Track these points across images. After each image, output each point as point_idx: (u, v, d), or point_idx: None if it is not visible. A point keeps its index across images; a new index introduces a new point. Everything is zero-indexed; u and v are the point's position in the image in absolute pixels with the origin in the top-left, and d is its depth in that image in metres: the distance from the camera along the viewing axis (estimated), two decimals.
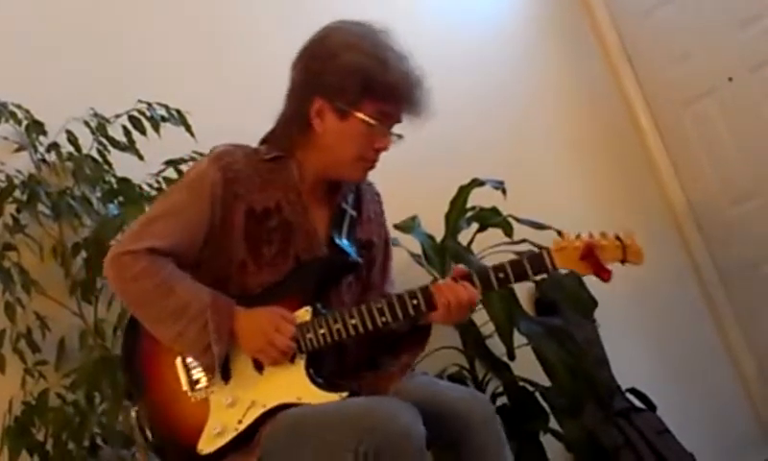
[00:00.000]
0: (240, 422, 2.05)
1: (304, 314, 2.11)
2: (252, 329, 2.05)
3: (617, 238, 2.21)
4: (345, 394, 2.06)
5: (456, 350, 3.37)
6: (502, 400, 3.36)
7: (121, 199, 2.80)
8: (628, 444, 3.62)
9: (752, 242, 4.56)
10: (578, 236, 2.20)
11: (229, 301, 2.08)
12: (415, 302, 2.10)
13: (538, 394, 3.22)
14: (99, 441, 2.59)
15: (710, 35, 4.50)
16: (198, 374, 2.10)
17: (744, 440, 4.52)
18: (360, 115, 2.12)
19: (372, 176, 3.59)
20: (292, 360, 2.07)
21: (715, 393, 4.54)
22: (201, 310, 2.02)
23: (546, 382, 3.21)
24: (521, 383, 3.29)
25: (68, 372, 2.61)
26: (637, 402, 3.87)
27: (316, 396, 2.06)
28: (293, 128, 2.21)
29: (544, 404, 3.21)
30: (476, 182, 3.36)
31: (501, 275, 2.13)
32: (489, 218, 3.34)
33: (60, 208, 2.66)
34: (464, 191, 3.37)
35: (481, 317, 3.18)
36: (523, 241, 3.31)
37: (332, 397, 2.06)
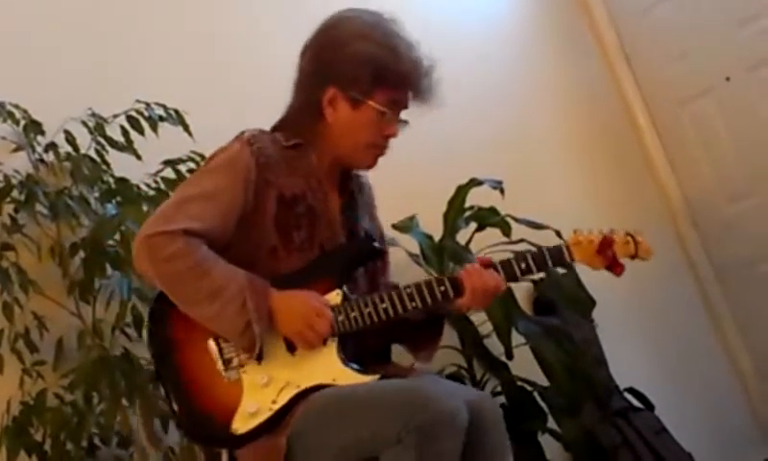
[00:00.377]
0: (274, 402, 2.05)
1: (336, 297, 2.13)
2: (290, 311, 2.05)
3: (628, 235, 2.26)
4: (377, 377, 2.09)
5: (454, 349, 3.37)
6: (500, 400, 3.36)
7: (119, 199, 2.79)
8: (626, 443, 3.62)
9: (748, 240, 4.56)
10: (590, 232, 2.24)
11: (265, 282, 2.07)
12: (443, 288, 2.14)
13: (536, 393, 3.21)
14: (97, 441, 2.58)
15: (708, 34, 4.50)
16: (230, 354, 2.08)
17: (742, 438, 4.52)
18: (373, 104, 2.16)
19: (371, 175, 3.64)
20: (324, 343, 2.08)
21: (713, 392, 4.55)
22: (238, 291, 2.01)
23: (544, 382, 3.21)
24: (520, 383, 3.29)
25: (66, 372, 2.60)
26: (635, 402, 3.87)
27: (350, 378, 2.08)
28: (305, 117, 2.23)
29: (542, 404, 3.20)
30: (474, 182, 3.36)
31: (524, 265, 2.19)
32: (487, 218, 3.33)
33: (57, 208, 2.66)
34: (462, 191, 3.36)
35: (479, 316, 3.19)
36: (521, 241, 3.30)
37: (366, 379, 2.08)
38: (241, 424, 2.05)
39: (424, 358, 2.37)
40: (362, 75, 2.14)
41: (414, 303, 2.13)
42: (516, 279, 2.21)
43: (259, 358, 2.06)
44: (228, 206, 2.11)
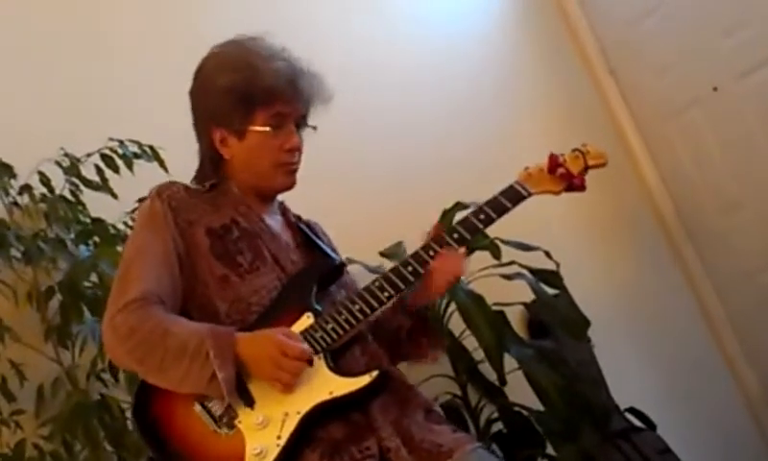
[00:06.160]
0: (279, 437, 1.98)
1: (306, 320, 2.08)
2: (258, 356, 1.99)
3: (573, 150, 2.30)
4: (375, 373, 2.03)
5: (447, 377, 3.31)
6: (497, 427, 3.30)
7: (96, 239, 2.74)
8: None
9: (745, 251, 4.51)
10: None
11: (228, 328, 2.03)
12: (410, 268, 2.12)
13: (532, 419, 3.15)
14: None
15: (693, 44, 4.46)
16: (219, 410, 2.01)
17: (748, 454, 4.45)
18: (255, 128, 2.15)
19: (358, 203, 3.61)
20: (311, 364, 2.01)
21: (716, 408, 4.48)
22: (200, 343, 1.95)
23: (541, 407, 3.14)
24: (516, 408, 3.24)
25: (44, 421, 2.53)
26: (637, 422, 3.80)
27: (347, 384, 2.02)
28: (208, 163, 2.25)
29: (540, 429, 3.13)
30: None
31: (482, 216, 2.18)
32: (476, 241, 3.26)
33: (31, 253, 2.60)
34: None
35: (471, 342, 3.12)
36: (512, 263, 3.26)
37: (363, 380, 2.03)
38: None
39: (433, 360, 2.36)
40: (232, 106, 2.14)
41: (386, 293, 2.09)
42: (478, 232, 2.19)
43: (251, 404, 2.00)
44: (164, 255, 2.09)
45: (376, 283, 2.10)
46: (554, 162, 2.26)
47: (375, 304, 2.08)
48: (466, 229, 2.17)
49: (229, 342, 1.98)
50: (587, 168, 2.28)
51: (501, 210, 2.20)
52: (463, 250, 2.20)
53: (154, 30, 3.40)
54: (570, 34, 4.94)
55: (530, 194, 2.24)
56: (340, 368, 2.06)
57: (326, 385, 2.02)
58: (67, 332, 2.62)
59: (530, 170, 2.28)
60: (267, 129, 2.15)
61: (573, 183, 2.26)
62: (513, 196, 2.22)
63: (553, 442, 3.12)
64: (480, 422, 3.34)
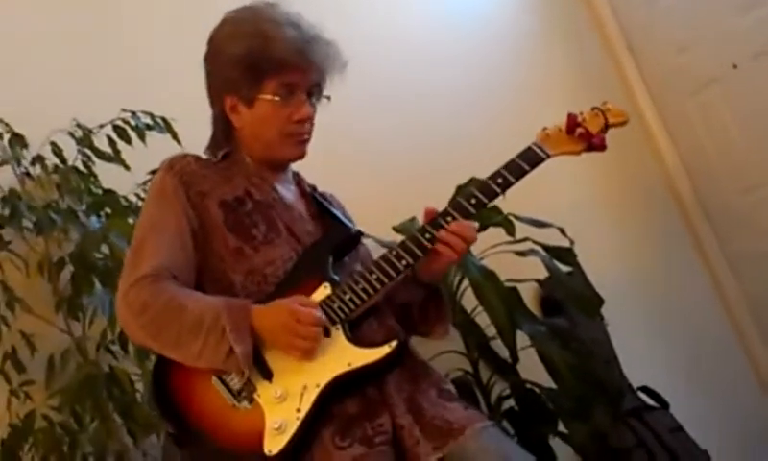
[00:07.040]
0: (299, 410, 1.96)
1: (323, 291, 2.06)
2: (273, 326, 1.98)
3: (593, 108, 2.23)
4: (394, 343, 2.02)
5: (459, 353, 3.29)
6: (509, 404, 3.29)
7: (108, 211, 2.73)
8: (640, 444, 3.54)
9: (762, 231, 4.46)
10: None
11: (244, 302, 2.02)
12: (428, 235, 2.08)
13: (544, 396, 3.13)
14: None
15: (712, 22, 4.40)
16: (238, 384, 2.00)
17: (761, 435, 4.42)
18: (265, 96, 2.13)
19: (371, 178, 3.59)
20: (328, 335, 2.01)
21: (729, 387, 4.45)
22: (215, 317, 1.94)
23: (553, 384, 3.12)
24: (528, 386, 3.22)
25: (53, 392, 2.53)
26: (649, 401, 3.79)
27: (365, 355, 2.01)
28: (220, 131, 2.24)
29: (552, 407, 3.12)
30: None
31: (500, 179, 2.12)
32: (489, 217, 3.23)
33: (43, 223, 2.60)
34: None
35: (483, 319, 3.11)
36: (525, 239, 3.23)
37: (382, 351, 2.01)
38: (272, 444, 1.95)
39: (441, 335, 2.33)
40: (241, 74, 2.12)
41: (404, 262, 2.06)
42: (495, 196, 2.13)
43: (269, 377, 1.99)
44: (177, 229, 2.07)
45: (393, 252, 2.07)
46: (573, 122, 2.18)
47: (393, 273, 2.06)
48: (483, 193, 2.12)
49: (245, 315, 1.97)
50: (607, 126, 2.20)
51: (519, 173, 2.13)
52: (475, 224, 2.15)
53: (168, 1, 3.38)
54: (589, 11, 4.90)
55: (548, 156, 2.16)
56: (358, 339, 2.04)
57: (345, 356, 2.00)
58: (78, 304, 2.61)
59: (548, 131, 2.20)
60: (276, 98, 2.12)
61: (593, 143, 2.18)
62: (531, 158, 2.15)
63: (565, 420, 3.10)
64: (491, 398, 3.32)
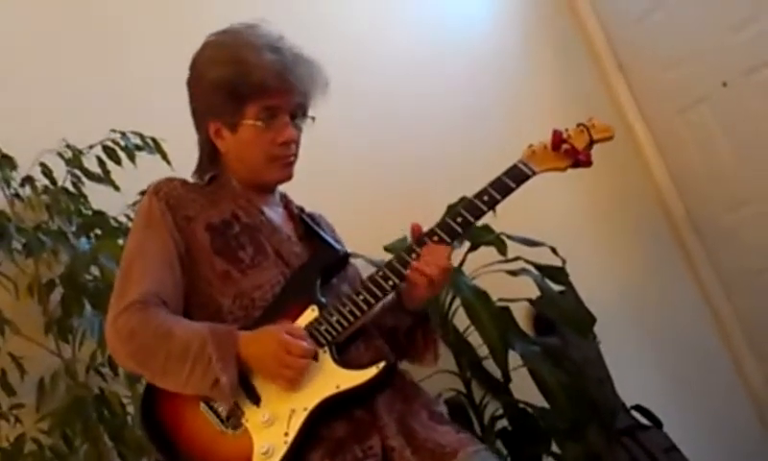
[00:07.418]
0: (287, 433, 1.95)
1: (311, 314, 2.05)
2: (261, 355, 1.97)
3: (578, 125, 2.22)
4: (381, 364, 2.00)
5: (451, 373, 3.28)
6: (502, 424, 3.27)
7: (98, 232, 2.72)
8: None
9: (753, 248, 4.47)
10: None
11: (229, 327, 2.00)
12: (413, 255, 2.06)
13: (537, 416, 3.12)
14: None
15: (703, 39, 4.42)
16: (226, 410, 1.99)
17: (754, 453, 4.42)
18: (248, 122, 2.12)
19: (361, 197, 3.58)
20: (315, 358, 1.99)
21: (722, 406, 4.45)
22: (202, 345, 1.94)
23: (546, 404, 3.11)
24: (521, 405, 3.21)
25: (43, 415, 2.51)
26: (643, 420, 3.77)
27: (353, 378, 1.99)
28: (206, 156, 2.23)
29: (545, 427, 3.11)
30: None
31: (486, 197, 2.11)
32: (481, 236, 3.24)
33: (32, 245, 2.58)
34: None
35: (476, 339, 3.10)
36: (517, 259, 3.23)
37: (369, 372, 2.00)
38: None
39: (429, 362, 2.31)
40: (223, 100, 2.11)
41: (390, 282, 2.05)
42: (482, 214, 2.12)
43: (257, 401, 1.98)
44: (163, 254, 2.07)
45: (380, 273, 2.06)
46: (558, 138, 2.17)
47: (379, 294, 2.04)
48: (469, 212, 2.11)
49: (232, 343, 1.96)
50: (592, 143, 2.19)
51: (505, 191, 2.11)
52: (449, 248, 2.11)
53: (157, 20, 3.38)
54: (579, 29, 4.90)
55: (534, 173, 2.14)
56: (346, 361, 2.03)
57: (333, 379, 1.99)
58: (68, 325, 2.60)
59: (534, 147, 2.19)
60: (258, 123, 2.12)
61: (579, 159, 2.16)
62: (516, 175, 2.13)
63: (558, 439, 3.10)
64: (484, 419, 3.31)
